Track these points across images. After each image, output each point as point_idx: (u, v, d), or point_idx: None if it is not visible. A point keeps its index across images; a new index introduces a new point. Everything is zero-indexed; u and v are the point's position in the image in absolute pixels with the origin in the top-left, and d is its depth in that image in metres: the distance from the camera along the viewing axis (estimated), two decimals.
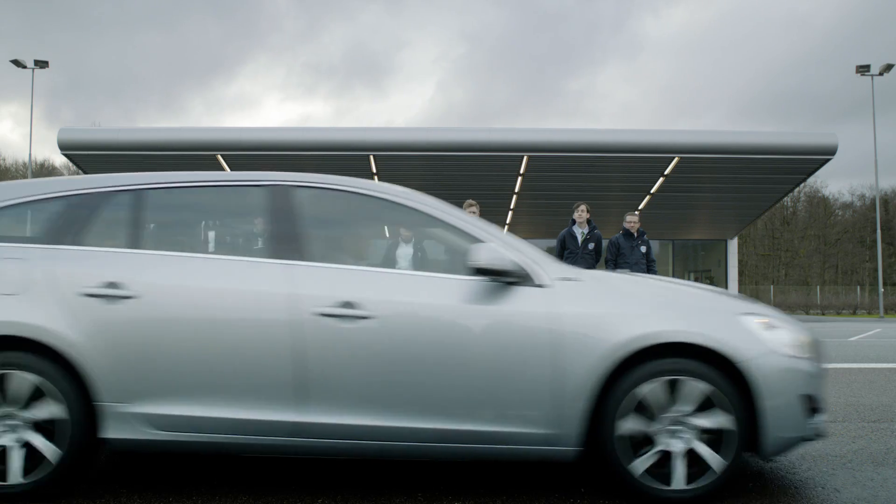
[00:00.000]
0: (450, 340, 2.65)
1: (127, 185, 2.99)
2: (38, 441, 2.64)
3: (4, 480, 2.62)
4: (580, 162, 18.86)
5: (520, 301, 2.68)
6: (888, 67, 28.97)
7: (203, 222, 3.45)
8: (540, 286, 2.71)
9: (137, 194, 2.98)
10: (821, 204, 48.16)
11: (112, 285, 2.71)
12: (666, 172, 19.51)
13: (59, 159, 54.30)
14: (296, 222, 2.86)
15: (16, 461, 2.63)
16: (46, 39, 77.62)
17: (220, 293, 2.71)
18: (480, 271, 2.67)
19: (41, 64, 30.82)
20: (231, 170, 20.54)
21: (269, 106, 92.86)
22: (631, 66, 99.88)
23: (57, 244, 2.84)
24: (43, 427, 2.65)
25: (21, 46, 76.45)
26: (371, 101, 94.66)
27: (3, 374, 2.65)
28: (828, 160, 18.79)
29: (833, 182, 66.98)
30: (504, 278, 2.70)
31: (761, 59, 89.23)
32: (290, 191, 2.94)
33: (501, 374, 2.63)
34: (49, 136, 68.54)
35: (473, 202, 7.19)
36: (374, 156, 19.16)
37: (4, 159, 55.70)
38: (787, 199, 43.40)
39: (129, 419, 2.65)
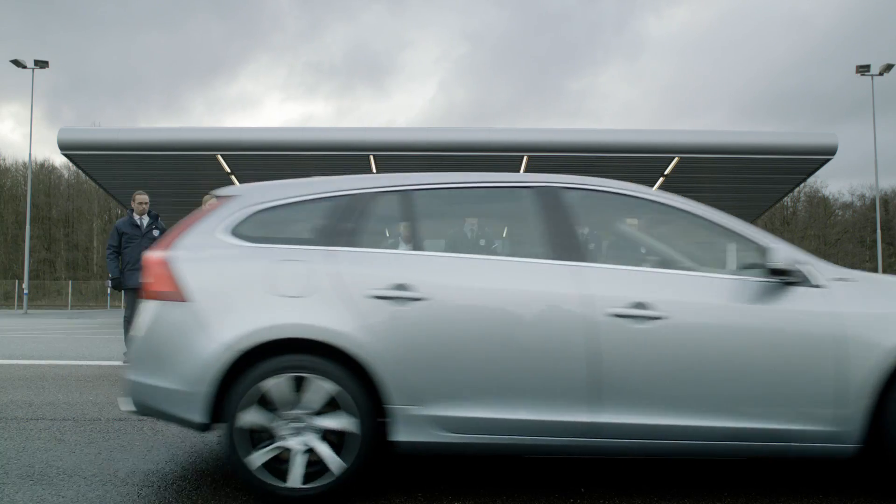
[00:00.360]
0: (738, 339, 2.66)
1: (395, 185, 2.99)
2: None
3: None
4: (580, 162, 18.84)
5: (801, 301, 2.71)
6: (888, 67, 28.96)
7: (474, 223, 3.43)
8: (817, 286, 2.75)
9: (406, 195, 2.98)
10: (821, 204, 48.17)
11: (401, 287, 2.69)
12: (666, 172, 19.50)
13: (59, 159, 54.33)
14: (571, 223, 2.87)
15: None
16: (49, 39, 77.62)
17: (509, 294, 2.70)
18: (776, 272, 2.72)
19: (41, 64, 30.80)
20: (231, 170, 20.54)
21: (271, 106, 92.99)
22: (632, 66, 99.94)
23: (331, 245, 2.82)
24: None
25: (23, 46, 76.48)
26: (372, 101, 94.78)
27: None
28: (828, 160, 18.77)
29: (833, 182, 67.10)
30: (788, 278, 2.73)
31: (762, 59, 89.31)
32: (559, 192, 2.95)
33: (788, 373, 2.65)
34: (50, 137, 68.61)
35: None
36: (374, 156, 19.15)
37: (4, 159, 55.86)
38: (787, 199, 43.39)
39: (419, 422, 2.63)
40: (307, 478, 2.60)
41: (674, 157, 18.74)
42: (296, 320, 2.65)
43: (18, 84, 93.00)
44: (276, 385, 2.62)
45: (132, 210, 7.65)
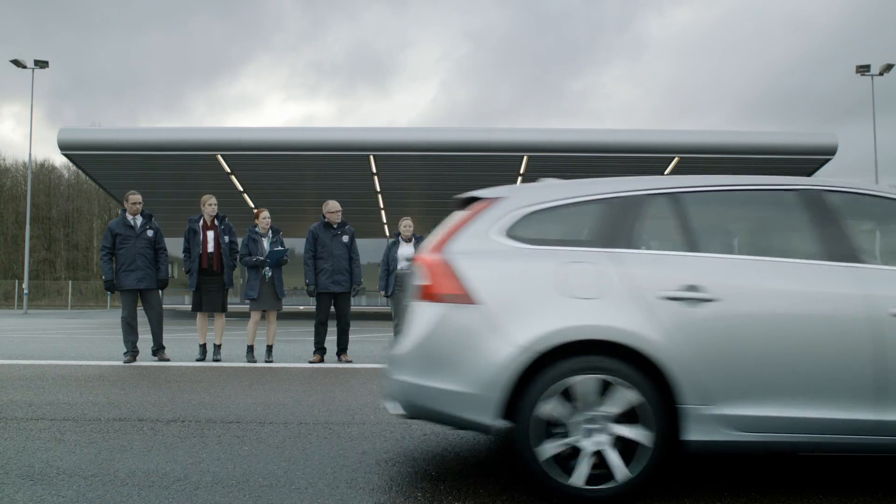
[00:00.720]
0: None
1: (666, 187, 3.03)
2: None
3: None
4: (580, 162, 18.87)
5: None
6: (888, 67, 28.97)
7: (746, 224, 3.51)
8: None
9: (676, 197, 3.02)
10: None
11: (692, 288, 2.73)
12: (666, 172, 19.52)
13: (59, 159, 54.38)
14: (841, 225, 2.92)
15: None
16: (49, 39, 77.68)
17: (795, 295, 2.76)
18: None
19: (41, 64, 30.81)
20: (231, 170, 20.56)
21: (272, 106, 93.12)
22: (634, 66, 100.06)
23: (611, 247, 2.85)
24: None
25: (23, 46, 76.55)
26: (374, 101, 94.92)
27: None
28: (828, 160, 18.81)
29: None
30: None
31: (763, 59, 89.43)
32: (823, 195, 3.01)
33: None
34: (50, 136, 68.70)
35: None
36: (374, 156, 19.17)
37: (4, 159, 55.88)
38: None
39: (710, 421, 2.66)
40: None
41: (674, 157, 18.76)
42: (595, 322, 2.69)
43: (18, 84, 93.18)
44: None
45: (125, 210, 7.63)
